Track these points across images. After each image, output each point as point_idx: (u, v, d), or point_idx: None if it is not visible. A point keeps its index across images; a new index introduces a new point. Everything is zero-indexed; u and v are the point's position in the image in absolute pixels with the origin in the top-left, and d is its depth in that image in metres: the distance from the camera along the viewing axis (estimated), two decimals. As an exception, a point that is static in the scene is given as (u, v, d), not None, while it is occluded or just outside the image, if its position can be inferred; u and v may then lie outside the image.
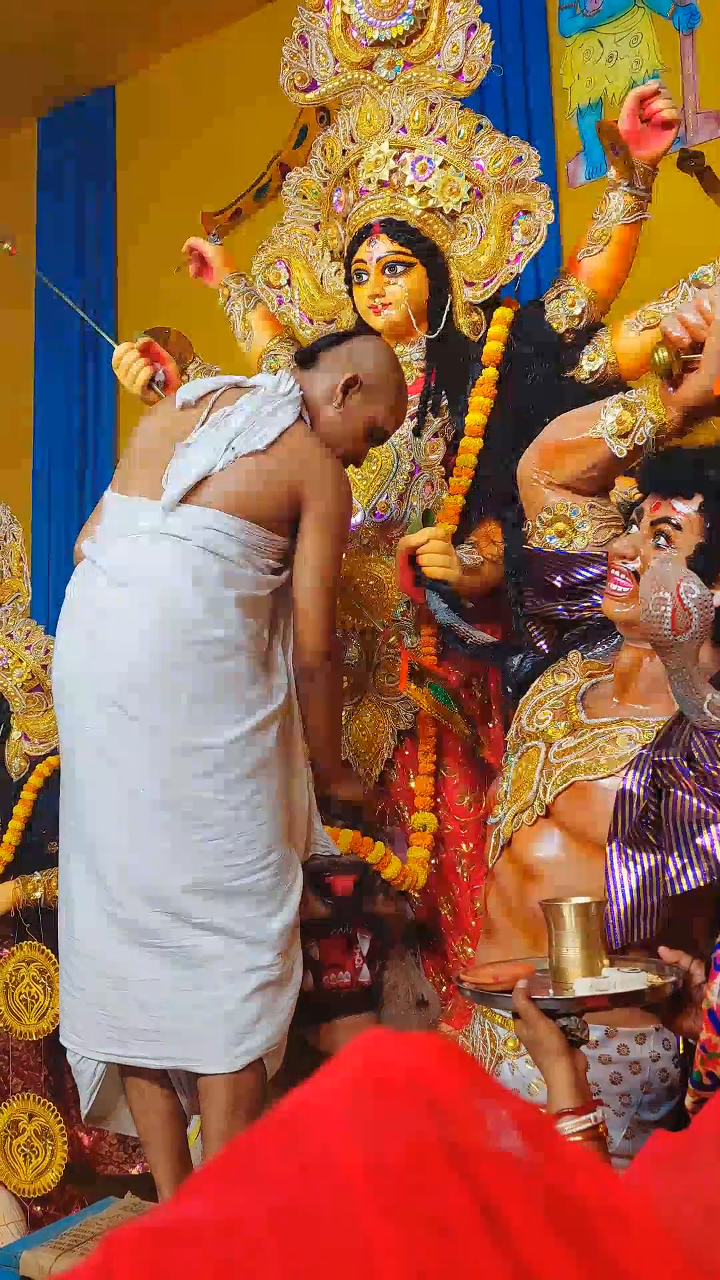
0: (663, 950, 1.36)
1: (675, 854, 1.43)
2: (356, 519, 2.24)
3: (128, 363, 2.28)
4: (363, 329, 2.13)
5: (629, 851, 1.49)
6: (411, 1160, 0.52)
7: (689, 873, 1.42)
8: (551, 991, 1.27)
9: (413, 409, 2.23)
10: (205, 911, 1.66)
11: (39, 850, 2.51)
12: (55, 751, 2.59)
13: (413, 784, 2.17)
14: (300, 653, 1.82)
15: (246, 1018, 1.65)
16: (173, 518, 1.74)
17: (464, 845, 2.14)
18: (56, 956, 2.34)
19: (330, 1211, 0.50)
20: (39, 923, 2.41)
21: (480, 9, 2.23)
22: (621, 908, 1.48)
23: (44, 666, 2.62)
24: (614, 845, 1.50)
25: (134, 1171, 2.45)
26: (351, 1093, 0.56)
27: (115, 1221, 1.93)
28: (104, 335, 2.52)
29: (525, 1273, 0.49)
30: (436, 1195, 0.50)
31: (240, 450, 1.78)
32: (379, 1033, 0.61)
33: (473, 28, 2.22)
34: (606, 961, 1.31)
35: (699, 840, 1.42)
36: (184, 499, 1.76)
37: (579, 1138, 1.18)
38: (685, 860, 1.42)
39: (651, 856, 1.47)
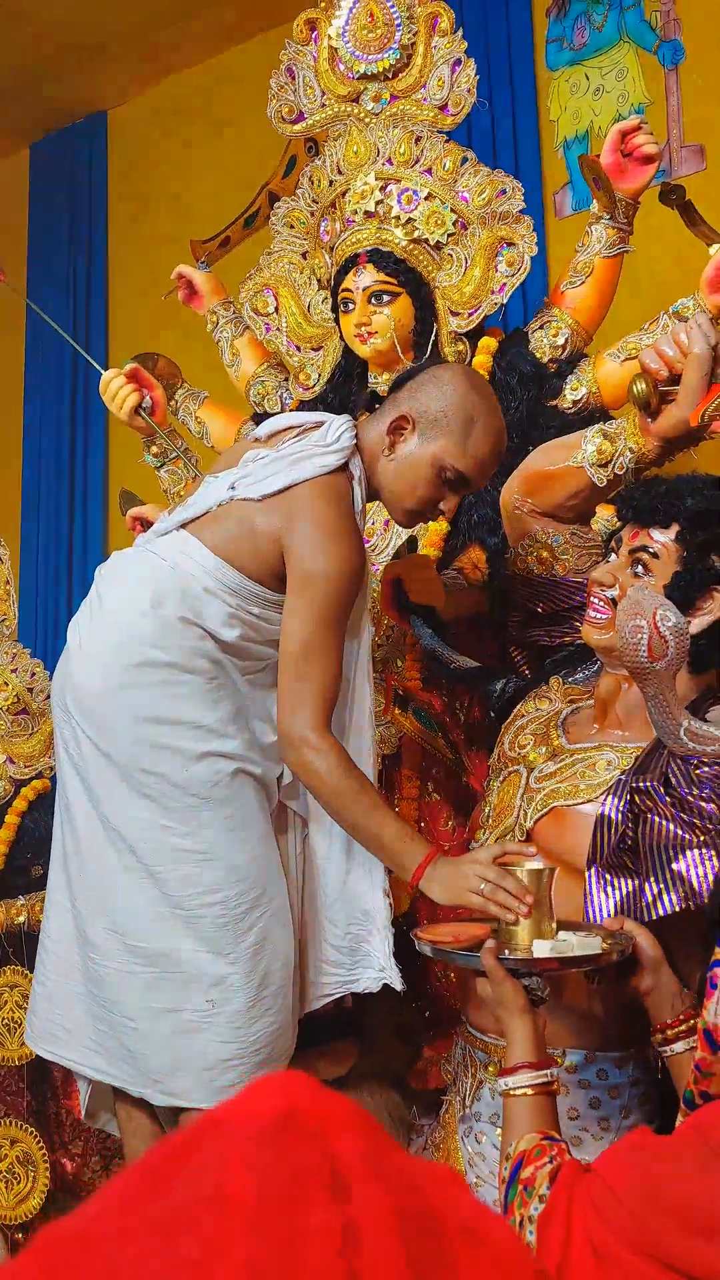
0: (606, 920, 1.44)
1: (652, 879, 1.45)
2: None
3: (115, 388, 2.30)
4: (437, 359, 1.93)
5: (607, 876, 1.50)
6: (291, 1181, 0.54)
7: (665, 898, 1.43)
8: (510, 951, 1.34)
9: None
10: (149, 938, 1.61)
11: (23, 874, 2.51)
12: (40, 775, 2.60)
13: (396, 808, 2.18)
14: (279, 736, 1.63)
15: (167, 1058, 1.60)
16: (163, 539, 1.75)
17: (447, 870, 2.15)
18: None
19: (196, 1222, 0.53)
20: (22, 947, 2.40)
21: (465, 44, 2.27)
22: (600, 933, 1.49)
23: (30, 689, 2.63)
24: (592, 870, 1.52)
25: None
26: (256, 1124, 0.58)
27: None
28: (92, 361, 2.54)
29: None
30: (302, 1209, 0.53)
31: (238, 494, 1.70)
32: (297, 1075, 0.64)
33: (458, 63, 2.26)
34: (555, 927, 1.42)
35: (675, 865, 1.43)
36: (182, 525, 1.75)
37: (532, 1091, 1.23)
38: (661, 885, 1.43)
39: (629, 881, 1.48)
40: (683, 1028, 1.36)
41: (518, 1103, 1.24)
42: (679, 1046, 1.36)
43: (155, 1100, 1.65)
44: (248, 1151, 0.56)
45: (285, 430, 1.76)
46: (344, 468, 1.69)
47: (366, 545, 2.23)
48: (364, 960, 1.72)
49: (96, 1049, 1.69)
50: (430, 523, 1.95)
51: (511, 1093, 1.24)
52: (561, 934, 1.40)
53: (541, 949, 1.35)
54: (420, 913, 2.14)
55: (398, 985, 1.67)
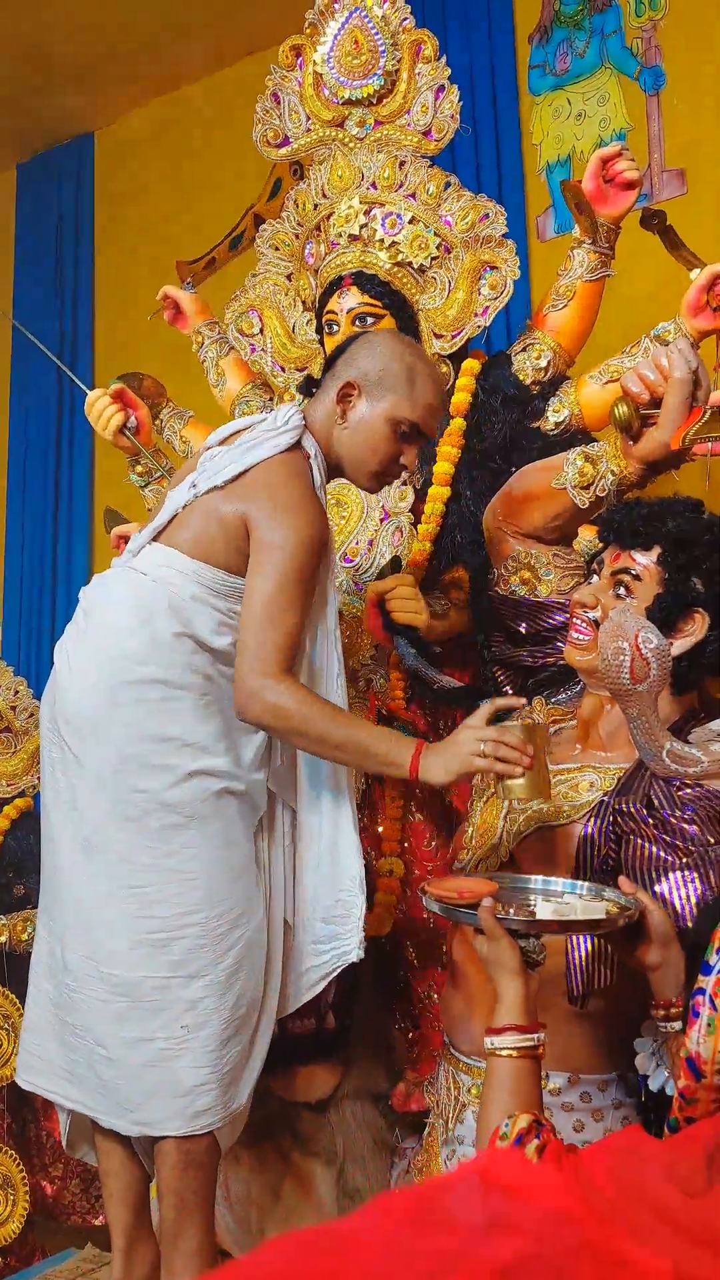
0: (622, 880, 1.41)
1: (634, 901, 1.45)
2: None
3: (100, 408, 2.31)
4: (365, 331, 1.94)
5: (592, 891, 1.50)
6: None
7: (647, 920, 1.43)
8: (511, 911, 1.33)
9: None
10: (125, 964, 1.59)
11: (5, 892, 2.50)
12: (23, 794, 2.59)
13: (380, 828, 2.18)
14: (235, 694, 1.63)
15: (140, 1087, 1.58)
16: (140, 555, 1.75)
17: (430, 890, 2.15)
18: (21, 1002, 2.32)
19: None
20: (4, 968, 2.39)
21: (449, 71, 2.30)
22: (583, 954, 1.49)
23: (13, 707, 2.62)
24: (575, 892, 1.52)
25: (97, 1222, 2.42)
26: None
27: (76, 1273, 1.90)
28: (77, 381, 2.55)
29: None
30: None
31: (201, 489, 1.72)
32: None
33: (441, 89, 2.28)
34: (551, 784, 1.46)
35: (657, 888, 1.44)
36: (155, 537, 1.75)
37: (515, 1053, 1.23)
38: (644, 908, 1.44)
39: (618, 882, 1.48)
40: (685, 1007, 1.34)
41: (501, 1064, 1.24)
42: (679, 1025, 1.35)
43: (127, 1131, 1.63)
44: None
45: (238, 432, 1.79)
46: (298, 446, 1.73)
47: (350, 564, 2.24)
48: (353, 927, 1.71)
49: (69, 1078, 1.67)
50: (391, 482, 1.90)
51: (497, 1052, 1.24)
52: (567, 897, 1.39)
53: (544, 912, 1.34)
54: (404, 933, 2.14)
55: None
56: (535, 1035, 1.25)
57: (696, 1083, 1.05)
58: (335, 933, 1.71)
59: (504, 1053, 1.24)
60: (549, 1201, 0.61)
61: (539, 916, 1.33)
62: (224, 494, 1.69)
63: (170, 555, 1.71)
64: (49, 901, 1.71)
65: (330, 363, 1.83)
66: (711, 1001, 1.04)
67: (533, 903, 1.39)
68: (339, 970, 1.72)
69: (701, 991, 1.04)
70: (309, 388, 1.87)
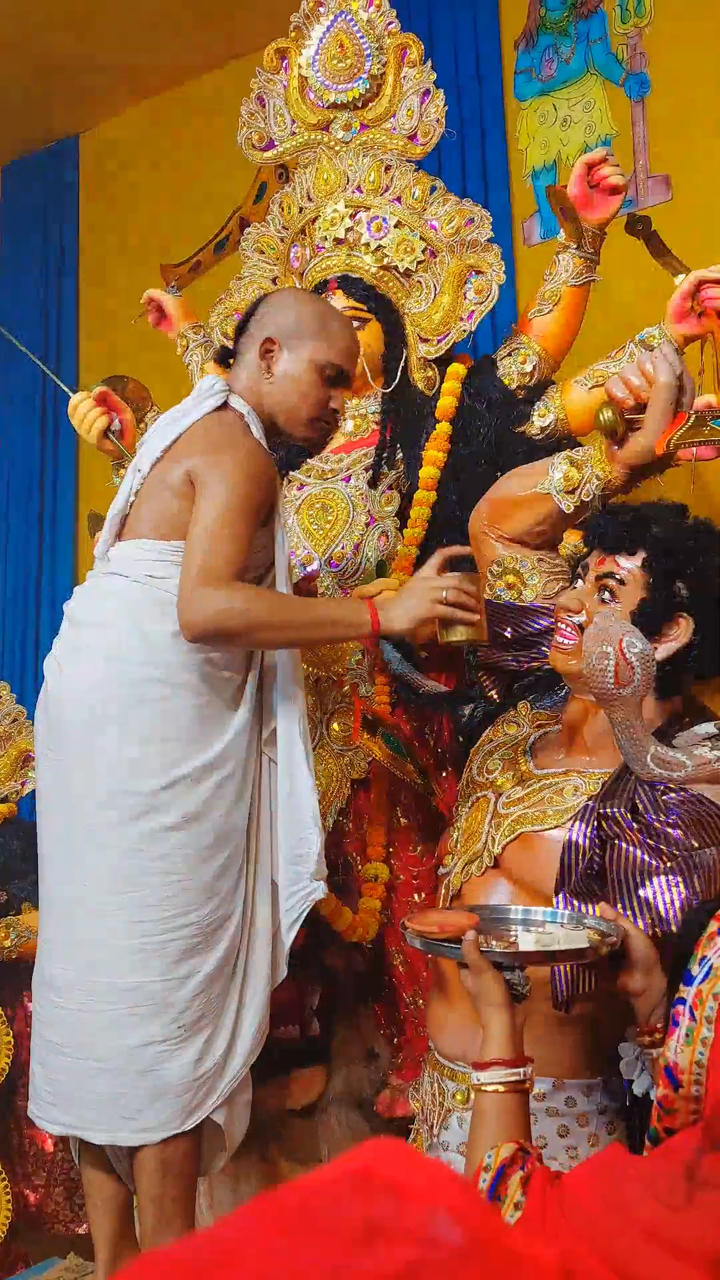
0: (603, 906, 1.40)
1: (619, 906, 1.45)
2: (312, 566, 2.25)
3: (83, 411, 2.30)
4: (261, 300, 1.92)
5: (575, 903, 1.50)
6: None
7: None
8: (494, 943, 1.31)
9: (368, 461, 2.27)
10: (119, 971, 1.59)
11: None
12: (6, 799, 2.57)
13: (365, 833, 2.17)
14: (180, 613, 1.60)
15: (143, 1093, 1.58)
16: (114, 557, 1.75)
17: (416, 895, 2.14)
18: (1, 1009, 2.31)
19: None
20: (-14, 974, 2.37)
21: (434, 75, 2.30)
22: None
23: (-8, 718, 2.61)
24: (560, 897, 1.51)
25: (80, 1230, 2.40)
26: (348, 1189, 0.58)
27: (57, 1283, 1.89)
28: (61, 384, 2.54)
29: None
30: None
31: (145, 468, 1.74)
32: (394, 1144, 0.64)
33: (426, 93, 2.29)
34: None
35: (642, 892, 1.43)
36: (120, 535, 1.76)
37: (503, 1088, 1.20)
38: (629, 913, 1.43)
39: (596, 908, 1.48)
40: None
41: (489, 1099, 1.21)
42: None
43: (128, 1142, 1.61)
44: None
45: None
46: (227, 407, 1.76)
47: (335, 569, 2.24)
48: (315, 865, 1.72)
49: (52, 1101, 1.66)
50: (329, 433, 1.90)
51: (484, 1088, 1.22)
52: (549, 926, 1.38)
53: (526, 942, 1.32)
54: (387, 941, 2.13)
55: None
56: (522, 1069, 1.22)
57: (674, 1092, 1.05)
58: (299, 873, 1.72)
59: (490, 1088, 1.21)
60: (434, 1198, 0.59)
61: (522, 948, 1.31)
62: (165, 463, 1.72)
63: (138, 547, 1.72)
64: (43, 921, 1.72)
65: (241, 329, 1.86)
66: (691, 1012, 1.03)
67: (514, 933, 1.37)
68: (305, 913, 1.72)
69: (682, 1001, 1.04)
70: (225, 358, 1.88)
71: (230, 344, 1.89)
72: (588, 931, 1.34)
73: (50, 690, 1.72)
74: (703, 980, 1.03)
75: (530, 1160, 1.09)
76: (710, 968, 1.03)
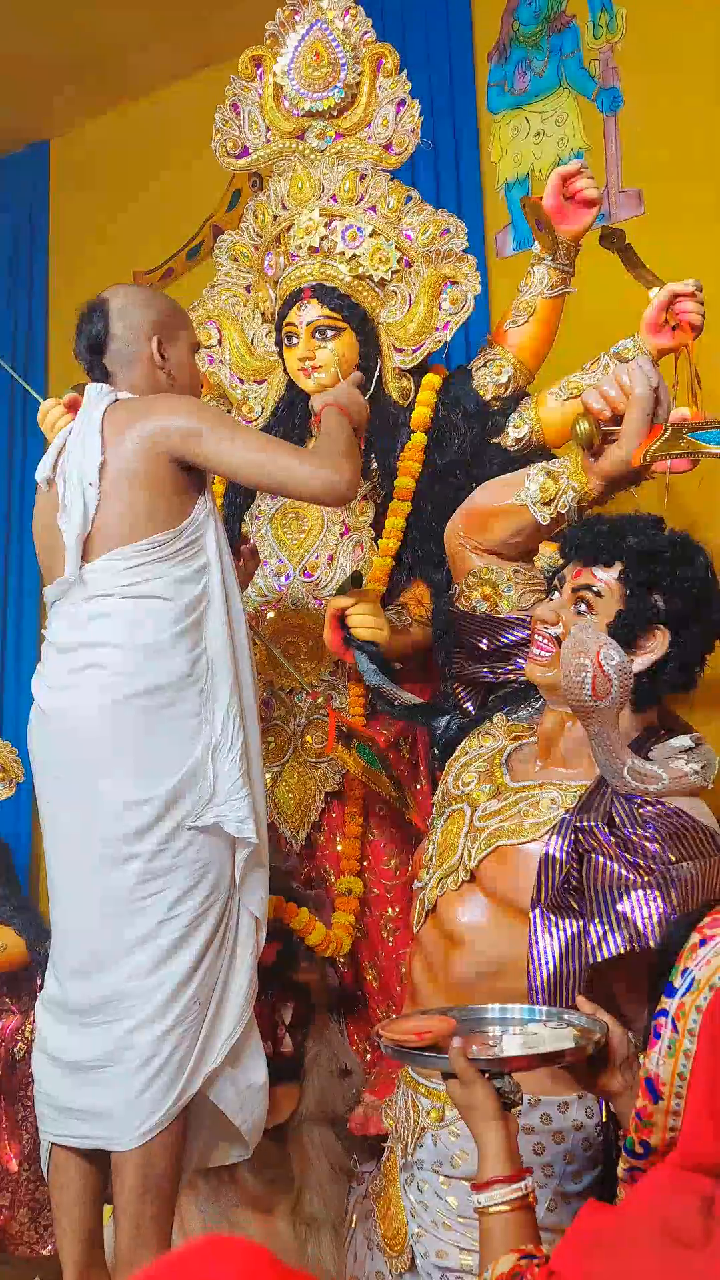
0: (581, 1001, 1.36)
1: (596, 920, 1.44)
2: (285, 576, 2.24)
3: (53, 418, 2.26)
4: (101, 301, 1.90)
5: (552, 917, 1.49)
6: None
7: (610, 939, 1.42)
8: (475, 1048, 1.24)
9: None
10: (140, 983, 1.62)
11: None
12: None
13: (339, 847, 2.15)
14: (322, 496, 1.77)
15: (146, 1091, 1.61)
16: (90, 580, 1.73)
17: (390, 909, 2.13)
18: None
19: None
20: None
21: (410, 85, 2.30)
22: (545, 975, 1.47)
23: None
24: (537, 911, 1.50)
25: (45, 1252, 2.36)
26: None
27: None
28: (30, 390, 2.51)
29: None
30: None
31: (90, 478, 1.72)
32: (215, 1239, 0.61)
33: (402, 103, 2.28)
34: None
35: (619, 906, 1.42)
36: (87, 559, 1.73)
37: (507, 1207, 1.15)
38: (606, 927, 1.42)
39: (573, 922, 1.47)
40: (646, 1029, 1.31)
41: (494, 1220, 1.15)
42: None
43: (130, 1145, 1.62)
44: None
45: (61, 453, 1.83)
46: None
47: (310, 579, 2.22)
48: (243, 809, 1.72)
49: (80, 1117, 1.67)
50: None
51: (488, 1210, 1.15)
52: (532, 1027, 1.31)
53: (512, 1046, 1.26)
54: (363, 953, 2.11)
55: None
56: (523, 1183, 1.16)
57: (654, 1105, 1.04)
58: (221, 814, 1.70)
59: (495, 1210, 1.15)
60: None
61: (508, 1052, 1.24)
62: (114, 468, 1.71)
63: (114, 560, 1.70)
64: (59, 945, 1.73)
65: (97, 346, 1.84)
66: (673, 1024, 1.02)
67: (492, 1034, 1.31)
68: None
69: (664, 1013, 1.03)
70: (103, 376, 1.85)
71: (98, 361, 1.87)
72: (572, 1030, 1.28)
73: (49, 714, 1.73)
74: (685, 993, 1.03)
75: (531, 1268, 1.05)
76: (692, 980, 1.03)
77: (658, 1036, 1.03)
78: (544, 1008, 1.39)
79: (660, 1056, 1.03)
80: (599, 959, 1.44)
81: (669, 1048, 1.02)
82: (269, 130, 2.36)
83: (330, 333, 2.23)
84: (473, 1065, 1.20)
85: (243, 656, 1.76)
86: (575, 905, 1.48)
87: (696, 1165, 0.96)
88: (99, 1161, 1.70)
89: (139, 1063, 1.60)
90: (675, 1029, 1.02)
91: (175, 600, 1.69)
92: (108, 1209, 1.78)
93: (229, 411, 2.47)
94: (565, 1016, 1.34)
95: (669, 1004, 1.03)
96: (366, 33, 2.30)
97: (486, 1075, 1.21)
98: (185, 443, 1.71)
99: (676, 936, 1.08)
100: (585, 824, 1.50)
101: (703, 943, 1.04)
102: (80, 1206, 1.69)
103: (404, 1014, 1.60)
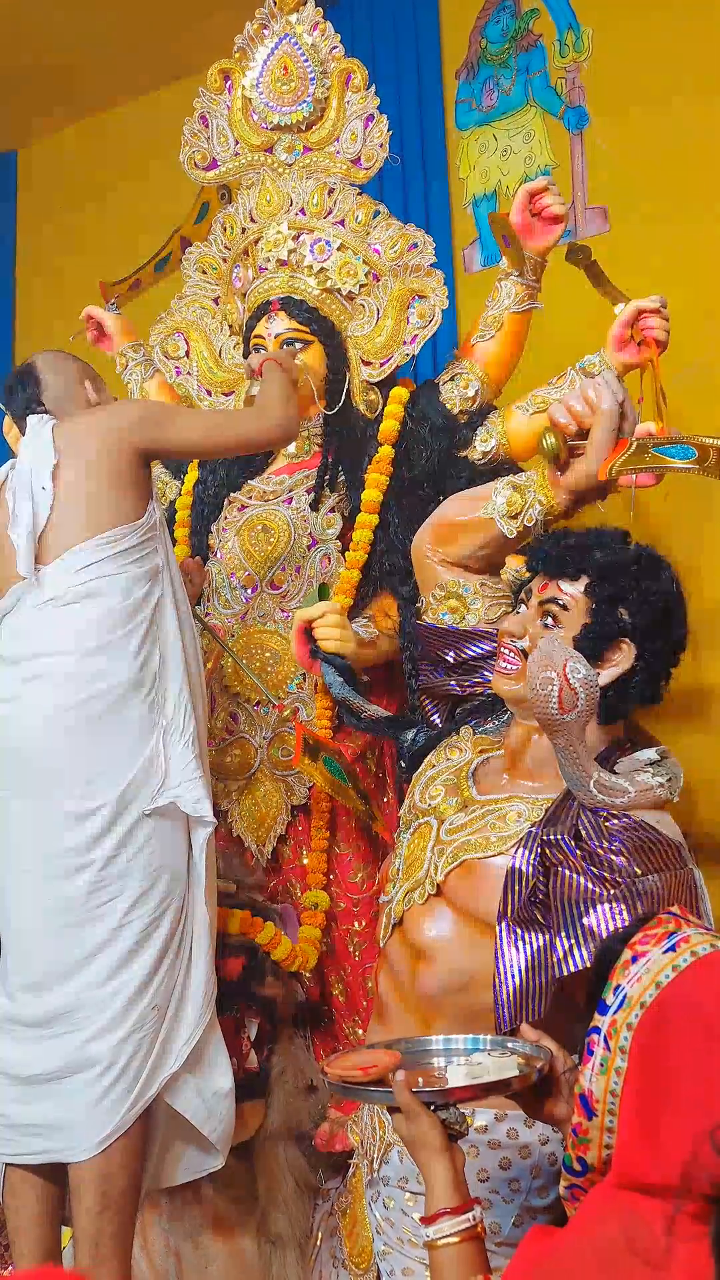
0: (525, 1029, 1.36)
1: (563, 934, 1.44)
2: (252, 588, 2.23)
3: (18, 432, 2.25)
4: (26, 365, 2.03)
5: (518, 931, 1.49)
6: None
7: (576, 953, 1.42)
8: (420, 1080, 1.23)
9: (310, 484, 2.25)
10: (100, 990, 1.62)
11: None
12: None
13: (305, 860, 2.14)
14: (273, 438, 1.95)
15: (104, 1099, 1.60)
16: (47, 582, 1.73)
17: (356, 923, 2.12)
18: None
19: None
20: None
21: (378, 100, 2.31)
22: (511, 989, 1.47)
23: None
24: (503, 925, 1.50)
25: (5, 1273, 2.32)
26: None
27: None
28: (-3, 402, 2.48)
29: None
30: None
31: (42, 482, 1.76)
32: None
33: (370, 118, 2.29)
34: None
35: (585, 920, 1.42)
36: (44, 562, 1.74)
37: (456, 1238, 1.15)
38: (572, 941, 1.42)
39: (540, 936, 1.47)
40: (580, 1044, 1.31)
41: (443, 1253, 1.15)
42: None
43: (88, 1154, 1.60)
44: None
45: (4, 480, 1.86)
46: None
47: (277, 591, 2.22)
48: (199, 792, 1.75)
49: (36, 1133, 1.65)
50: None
51: (436, 1243, 1.15)
52: (476, 1056, 1.30)
53: (456, 1077, 1.25)
54: (329, 967, 2.10)
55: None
56: (470, 1214, 1.16)
57: (589, 1121, 1.04)
58: (177, 794, 1.71)
59: (443, 1242, 1.15)
60: None
61: (452, 1084, 1.24)
62: (62, 469, 1.75)
63: (73, 558, 1.72)
64: (11, 960, 1.71)
65: (20, 400, 1.93)
66: (605, 1041, 1.02)
67: (437, 1066, 1.31)
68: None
69: (597, 1030, 1.03)
70: (33, 410, 1.91)
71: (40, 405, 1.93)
72: (516, 1058, 1.28)
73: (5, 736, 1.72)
74: (617, 1010, 1.03)
75: None
76: (624, 996, 1.03)
77: (591, 1053, 1.03)
78: (488, 1037, 1.38)
79: (593, 1073, 1.03)
80: (565, 973, 1.44)
81: (601, 1065, 1.02)
82: (237, 143, 2.36)
83: (298, 345, 2.23)
84: (417, 1098, 1.20)
85: (192, 654, 1.81)
86: (541, 919, 1.48)
87: (633, 1184, 0.96)
88: (57, 1180, 1.68)
89: (97, 1072, 1.60)
90: (607, 1046, 1.02)
91: (123, 602, 1.72)
92: (67, 1231, 1.75)
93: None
94: (509, 1045, 1.33)
95: (601, 1021, 1.03)
96: (335, 48, 2.31)
97: (432, 1107, 1.20)
98: (146, 431, 1.79)
99: (610, 952, 1.08)
100: (552, 837, 1.50)
101: (635, 959, 1.04)
102: (38, 1227, 1.67)
103: (348, 1049, 1.59)
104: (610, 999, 1.04)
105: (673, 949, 1.03)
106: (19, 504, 1.76)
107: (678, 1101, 0.95)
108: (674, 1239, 0.87)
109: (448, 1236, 1.15)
